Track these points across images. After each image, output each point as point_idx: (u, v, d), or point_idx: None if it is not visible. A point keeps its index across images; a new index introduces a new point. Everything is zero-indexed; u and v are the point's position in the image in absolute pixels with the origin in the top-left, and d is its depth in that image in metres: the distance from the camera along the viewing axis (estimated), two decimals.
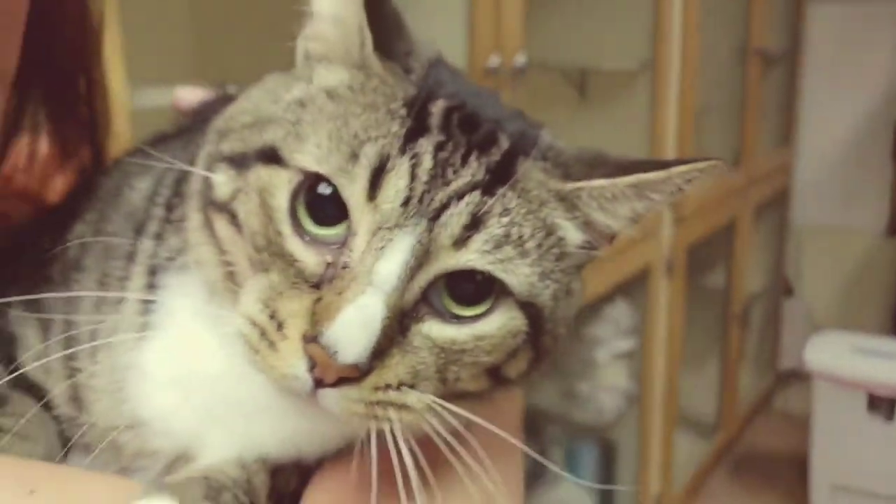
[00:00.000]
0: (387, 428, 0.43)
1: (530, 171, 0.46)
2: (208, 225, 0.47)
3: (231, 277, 0.46)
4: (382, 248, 0.41)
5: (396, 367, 0.42)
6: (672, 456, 2.79)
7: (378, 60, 0.47)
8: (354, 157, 0.42)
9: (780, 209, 3.69)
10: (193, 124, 0.60)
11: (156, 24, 1.43)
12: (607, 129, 2.49)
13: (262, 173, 0.44)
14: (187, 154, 0.53)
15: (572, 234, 0.47)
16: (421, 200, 0.42)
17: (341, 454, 0.50)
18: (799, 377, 3.34)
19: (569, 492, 2.53)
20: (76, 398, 0.52)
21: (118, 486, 0.48)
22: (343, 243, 0.43)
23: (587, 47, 2.43)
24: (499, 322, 0.45)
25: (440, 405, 0.44)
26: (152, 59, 1.15)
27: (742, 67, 3.05)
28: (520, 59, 1.76)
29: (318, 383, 0.41)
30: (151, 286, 0.50)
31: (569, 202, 0.47)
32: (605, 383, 2.47)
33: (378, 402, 0.42)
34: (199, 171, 0.48)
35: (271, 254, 0.43)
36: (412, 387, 0.43)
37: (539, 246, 0.45)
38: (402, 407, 0.43)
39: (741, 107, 3.07)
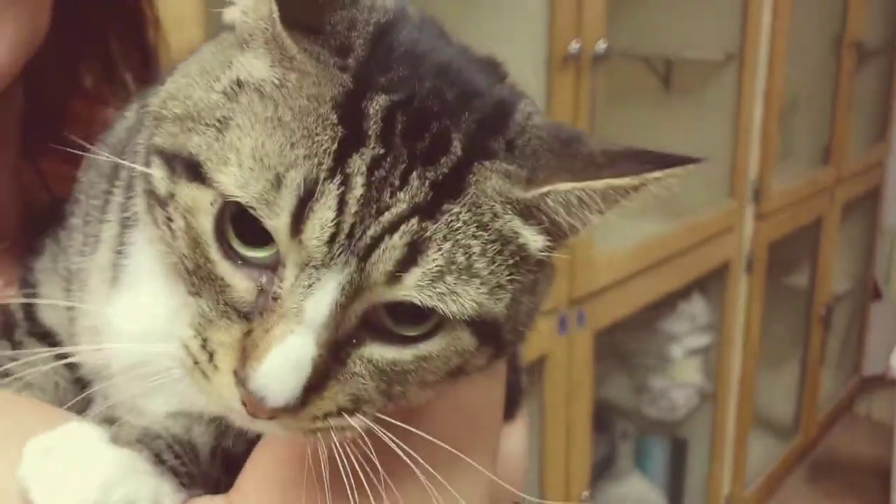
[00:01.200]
0: (329, 444, 0.42)
1: (487, 179, 0.41)
2: (150, 213, 0.44)
3: (175, 269, 0.43)
4: (310, 286, 0.38)
5: (335, 396, 0.40)
6: (745, 456, 2.72)
7: (293, 42, 0.40)
8: (277, 184, 0.38)
9: (870, 208, 3.55)
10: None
11: None
12: (691, 121, 2.43)
13: (185, 191, 0.40)
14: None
15: (533, 240, 0.42)
16: (350, 234, 0.38)
17: None
18: (884, 383, 3.22)
19: (638, 487, 2.50)
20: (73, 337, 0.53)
21: (54, 417, 0.47)
22: (274, 267, 0.40)
23: (673, 36, 2.38)
24: (443, 342, 0.42)
25: (380, 429, 0.42)
26: None
27: (835, 59, 2.94)
28: (600, 45, 1.73)
29: (253, 415, 0.39)
30: (122, 242, 0.48)
31: (530, 209, 0.42)
32: (679, 379, 2.42)
33: (317, 429, 0.41)
34: (133, 165, 0.44)
35: (200, 278, 0.40)
36: (354, 411, 0.41)
37: (491, 261, 0.41)
38: (342, 429, 0.41)
39: (832, 101, 2.96)
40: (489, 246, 0.40)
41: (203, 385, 0.40)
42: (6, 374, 0.54)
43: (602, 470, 2.51)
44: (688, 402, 2.44)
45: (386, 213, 0.38)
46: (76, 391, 0.55)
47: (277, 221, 0.38)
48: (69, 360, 0.52)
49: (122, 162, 0.47)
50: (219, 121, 0.40)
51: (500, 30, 1.65)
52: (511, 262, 0.41)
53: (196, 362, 0.40)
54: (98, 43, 0.71)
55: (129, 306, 0.48)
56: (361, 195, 0.38)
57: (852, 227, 3.44)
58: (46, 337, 0.56)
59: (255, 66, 0.41)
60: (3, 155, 0.67)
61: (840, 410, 3.57)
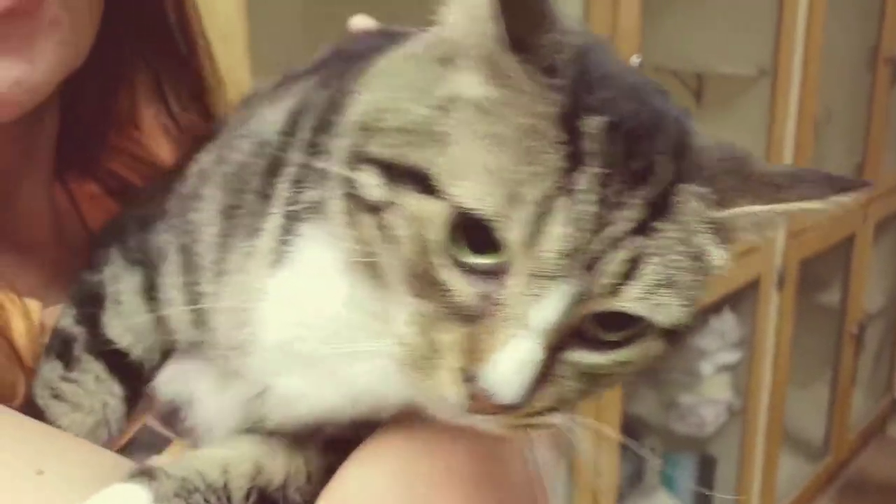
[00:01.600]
0: (529, 437, 0.46)
1: (688, 201, 0.43)
2: (352, 214, 0.45)
3: (370, 268, 0.45)
4: (538, 294, 0.40)
5: (546, 396, 0.43)
6: (775, 476, 2.69)
7: (515, 62, 0.42)
8: (514, 199, 0.40)
9: None
10: (330, 59, 0.58)
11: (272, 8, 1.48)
12: (723, 136, 2.37)
13: (414, 202, 0.42)
14: (327, 91, 0.52)
15: (717, 256, 0.45)
16: (580, 249, 0.40)
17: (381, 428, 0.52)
18: None
19: (664, 503, 2.48)
20: (199, 321, 0.54)
21: (117, 467, 0.50)
22: (497, 273, 0.42)
23: (705, 51, 2.37)
24: (640, 349, 0.45)
25: (577, 420, 0.45)
26: (267, 42, 1.18)
27: (870, 74, 2.92)
28: (634, 59, 1.73)
29: (472, 409, 0.42)
30: (288, 231, 0.50)
31: (720, 228, 0.44)
32: (708, 396, 2.40)
33: (525, 425, 0.44)
34: (341, 170, 0.46)
35: (425, 281, 0.42)
36: (555, 409, 0.44)
37: (689, 275, 0.43)
38: (544, 425, 0.44)
39: (867, 116, 2.93)
40: (689, 262, 0.43)
41: (423, 381, 0.42)
42: (57, 396, 0.56)
43: (629, 486, 2.50)
44: (717, 419, 2.42)
45: (608, 229, 0.40)
46: (124, 409, 0.58)
47: (513, 234, 0.40)
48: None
49: (313, 163, 0.48)
50: (439, 135, 0.42)
51: None
52: (699, 277, 0.44)
53: (418, 359, 0.42)
54: (142, 71, 0.71)
55: (290, 290, 0.49)
56: (592, 212, 0.40)
57: (886, 245, 3.40)
58: (107, 350, 0.58)
59: (469, 82, 0.43)
60: (36, 173, 0.68)
61: (872, 431, 3.52)
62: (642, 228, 0.41)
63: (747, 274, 2.36)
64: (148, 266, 0.57)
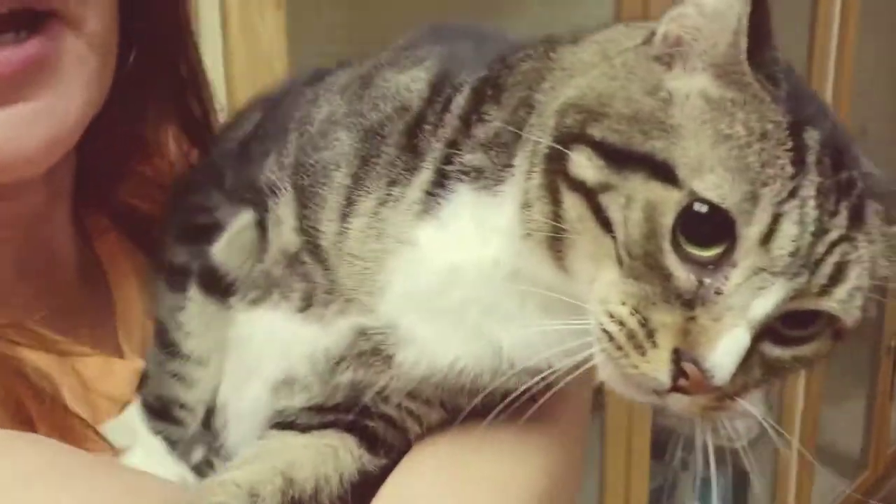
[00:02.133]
0: (710, 425, 0.49)
1: (874, 215, 0.47)
2: (551, 190, 0.47)
3: (552, 244, 0.47)
4: (762, 288, 0.44)
5: (736, 382, 0.46)
6: (810, 491, 2.67)
7: (752, 71, 0.45)
8: (754, 198, 0.43)
9: None
10: (442, 35, 0.61)
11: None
12: None
13: (650, 188, 0.45)
14: (481, 57, 0.56)
15: (883, 269, 0.48)
16: (803, 250, 0.44)
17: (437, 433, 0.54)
18: None
19: None
20: (316, 254, 0.56)
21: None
22: (714, 265, 0.44)
23: None
24: (817, 346, 0.49)
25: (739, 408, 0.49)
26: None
27: None
28: None
29: (674, 388, 0.45)
30: (438, 185, 0.53)
31: (891, 244, 0.48)
32: (742, 409, 2.40)
33: (713, 408, 0.48)
34: (548, 145, 0.48)
35: (646, 264, 0.45)
36: (737, 396, 0.48)
37: (870, 285, 0.47)
38: (726, 409, 0.48)
39: None
40: (871, 274, 0.46)
41: (632, 358, 0.45)
42: (179, 326, 0.61)
43: (661, 499, 2.50)
44: (749, 433, 2.41)
45: (828, 235, 0.44)
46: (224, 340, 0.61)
47: (750, 230, 0.43)
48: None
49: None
50: (672, 127, 0.45)
51: None
52: (874, 284, 0.47)
53: (631, 336, 0.45)
54: (152, 104, 0.72)
55: (438, 243, 0.52)
56: (815, 217, 0.44)
57: None
58: (213, 278, 0.61)
59: (703, 82, 0.46)
60: (59, 209, 0.69)
61: None
62: (849, 237, 0.45)
63: None
64: (257, 203, 0.59)
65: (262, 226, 0.59)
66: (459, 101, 0.54)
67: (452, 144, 0.53)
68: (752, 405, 1.92)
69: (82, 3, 0.56)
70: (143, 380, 0.65)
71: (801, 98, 0.47)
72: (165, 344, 0.63)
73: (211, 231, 0.61)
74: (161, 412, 0.63)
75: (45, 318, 0.62)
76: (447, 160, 0.52)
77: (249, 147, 0.62)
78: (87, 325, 0.67)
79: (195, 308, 0.62)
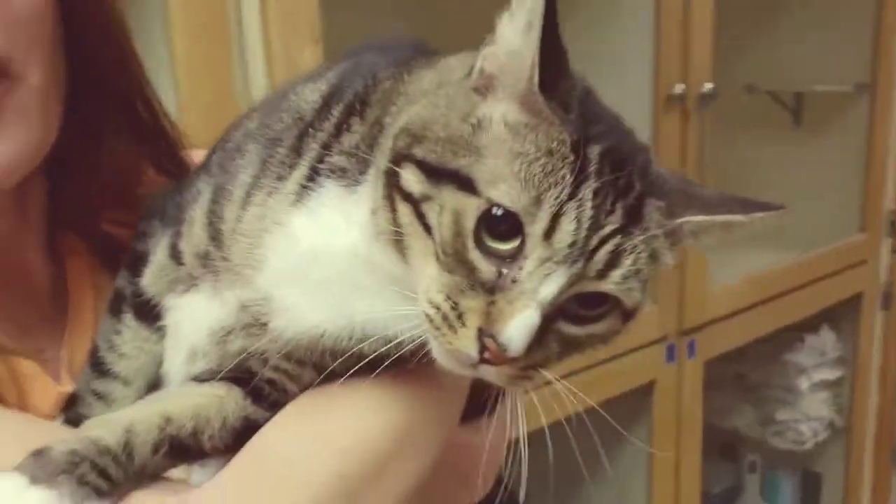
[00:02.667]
0: (518, 390, 0.59)
1: (653, 211, 0.56)
2: (390, 199, 0.56)
3: (396, 244, 0.56)
4: (547, 275, 0.52)
5: (535, 355, 0.54)
6: (886, 496, 2.64)
7: (544, 100, 0.54)
8: (538, 202, 0.52)
9: None
10: (360, 52, 0.70)
11: None
12: (822, 155, 2.43)
13: (456, 197, 0.53)
14: (356, 84, 0.64)
15: (668, 257, 0.57)
16: (580, 242, 0.52)
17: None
18: None
19: None
20: (216, 238, 0.64)
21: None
22: (512, 258, 0.53)
23: (802, 70, 2.40)
24: (608, 324, 0.57)
25: (557, 380, 0.58)
26: None
27: None
28: (707, 86, 1.81)
29: (482, 361, 0.54)
30: (310, 179, 0.62)
31: (672, 233, 0.57)
32: (807, 412, 2.40)
33: (518, 377, 0.56)
34: (386, 164, 0.56)
35: (455, 260, 0.54)
36: (539, 367, 0.56)
37: (648, 271, 0.56)
38: (530, 379, 0.57)
39: None
40: (649, 261, 0.55)
41: (448, 336, 0.54)
42: (112, 348, 0.69)
43: (728, 501, 2.52)
44: (816, 436, 2.41)
45: (602, 230, 0.53)
46: (157, 356, 0.69)
47: (535, 227, 0.52)
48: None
49: (342, 139, 0.61)
50: (477, 148, 0.54)
51: (610, 73, 1.76)
52: (654, 272, 0.56)
53: (445, 319, 0.54)
54: (112, 139, 0.76)
55: (305, 226, 0.61)
56: (590, 216, 0.53)
57: None
58: (145, 307, 0.69)
59: (505, 110, 0.55)
60: (31, 230, 0.75)
61: None
62: (624, 230, 0.54)
63: (846, 290, 2.36)
64: (180, 221, 0.67)
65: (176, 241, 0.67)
66: (335, 112, 0.63)
67: (325, 147, 0.62)
68: (820, 408, 1.89)
69: (22, 60, 0.63)
70: (71, 401, 0.70)
71: (591, 119, 0.55)
72: (96, 363, 0.70)
73: (145, 258, 0.70)
74: (75, 423, 0.66)
75: (4, 329, 0.69)
76: (320, 160, 0.62)
77: (189, 175, 0.71)
78: (42, 339, 0.73)
79: (129, 333, 0.70)
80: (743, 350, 2.22)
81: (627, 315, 0.58)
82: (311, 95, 0.66)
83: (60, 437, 0.58)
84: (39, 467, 0.55)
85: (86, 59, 0.69)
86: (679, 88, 1.75)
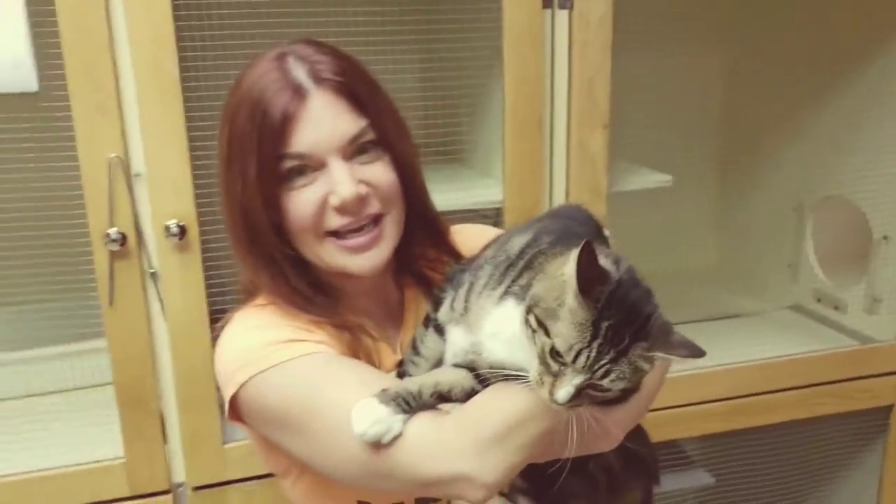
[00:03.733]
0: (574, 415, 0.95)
1: (636, 350, 0.91)
2: (525, 321, 0.94)
3: (527, 340, 0.94)
4: (574, 375, 0.89)
5: (575, 403, 0.92)
6: None
7: (582, 301, 0.89)
8: (570, 348, 0.89)
9: None
10: (558, 214, 1.18)
11: None
12: None
13: (543, 335, 0.91)
14: (540, 244, 1.03)
15: (645, 367, 0.92)
16: (589, 366, 0.89)
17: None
18: None
19: None
20: (466, 307, 1.08)
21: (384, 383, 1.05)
22: (563, 365, 0.90)
23: None
24: (612, 393, 0.93)
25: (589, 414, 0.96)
26: None
27: None
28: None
29: (553, 402, 0.92)
30: (504, 294, 1.02)
31: (650, 359, 0.92)
32: None
33: (572, 407, 0.93)
34: (525, 308, 0.95)
35: (540, 359, 0.92)
36: (579, 406, 0.94)
37: (631, 375, 0.91)
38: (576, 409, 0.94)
39: None
40: (631, 370, 0.91)
41: (537, 388, 0.92)
42: (422, 342, 1.17)
43: None
44: None
45: (602, 360, 0.89)
46: (440, 351, 1.15)
47: (569, 358, 0.89)
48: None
49: (524, 278, 1.01)
50: (556, 315, 0.91)
51: None
52: (638, 374, 0.92)
53: (540, 381, 0.92)
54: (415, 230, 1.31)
55: (498, 318, 1.02)
56: (596, 356, 0.89)
57: None
58: (438, 327, 1.15)
59: (570, 298, 0.91)
60: (387, 274, 1.32)
61: None
62: (611, 361, 0.90)
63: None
64: (456, 289, 1.12)
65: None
66: (523, 260, 1.04)
67: (513, 280, 1.02)
68: None
69: (392, 207, 1.19)
70: (399, 364, 1.22)
71: (611, 304, 0.89)
72: (413, 347, 1.19)
73: (441, 302, 1.16)
74: (400, 377, 1.17)
75: (373, 324, 1.28)
76: (510, 285, 1.02)
77: (468, 263, 1.17)
78: (390, 332, 1.32)
79: (429, 338, 1.17)
80: None
81: (627, 391, 0.94)
82: (517, 243, 1.08)
83: (393, 384, 1.06)
84: (383, 396, 1.02)
85: (407, 198, 1.26)
86: None
